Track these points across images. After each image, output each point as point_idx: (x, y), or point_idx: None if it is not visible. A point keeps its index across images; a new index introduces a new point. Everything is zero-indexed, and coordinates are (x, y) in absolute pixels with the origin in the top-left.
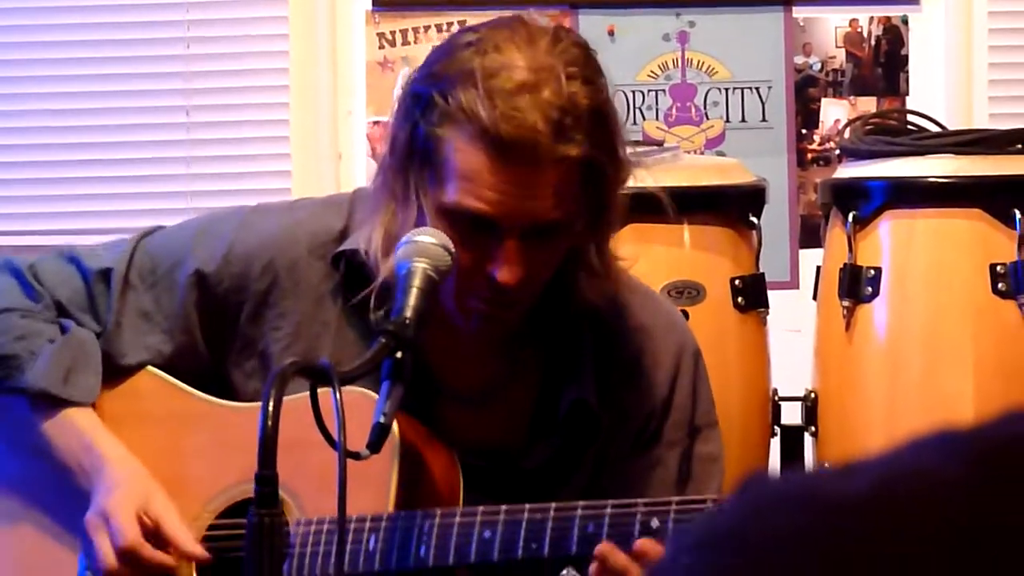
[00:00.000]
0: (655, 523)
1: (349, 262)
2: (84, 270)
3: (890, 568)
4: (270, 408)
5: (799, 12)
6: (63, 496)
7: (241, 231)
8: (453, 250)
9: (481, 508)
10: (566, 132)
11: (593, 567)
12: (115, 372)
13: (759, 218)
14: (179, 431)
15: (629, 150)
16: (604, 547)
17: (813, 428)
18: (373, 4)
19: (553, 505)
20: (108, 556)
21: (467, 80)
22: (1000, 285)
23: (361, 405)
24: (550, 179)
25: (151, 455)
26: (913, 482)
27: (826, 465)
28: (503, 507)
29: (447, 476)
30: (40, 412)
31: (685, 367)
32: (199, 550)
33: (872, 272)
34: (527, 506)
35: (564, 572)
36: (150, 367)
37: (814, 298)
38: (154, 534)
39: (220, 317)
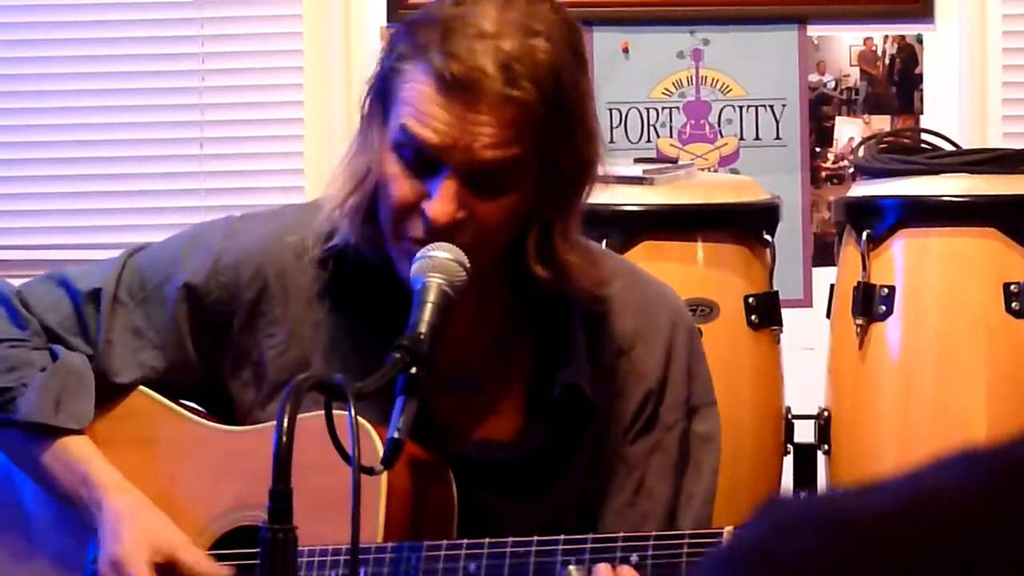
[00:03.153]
0: (634, 558)
1: (338, 259)
2: (73, 292)
3: None
4: (284, 424)
5: (813, 30)
6: (64, 529)
7: (227, 240)
8: (468, 264)
9: (466, 541)
10: (515, 78)
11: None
12: (110, 391)
13: (773, 236)
14: (171, 456)
15: (644, 167)
16: (603, 568)
17: (826, 446)
18: (387, 20)
19: (535, 538)
20: None
21: (432, 24)
22: (1013, 304)
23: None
24: (493, 120)
25: (143, 481)
26: (933, 501)
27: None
28: (487, 540)
29: (439, 493)
30: (36, 443)
31: (679, 346)
32: (224, 571)
33: (886, 290)
34: (510, 539)
35: (568, 568)
36: (143, 388)
37: (827, 316)
38: (171, 572)
39: (212, 328)
